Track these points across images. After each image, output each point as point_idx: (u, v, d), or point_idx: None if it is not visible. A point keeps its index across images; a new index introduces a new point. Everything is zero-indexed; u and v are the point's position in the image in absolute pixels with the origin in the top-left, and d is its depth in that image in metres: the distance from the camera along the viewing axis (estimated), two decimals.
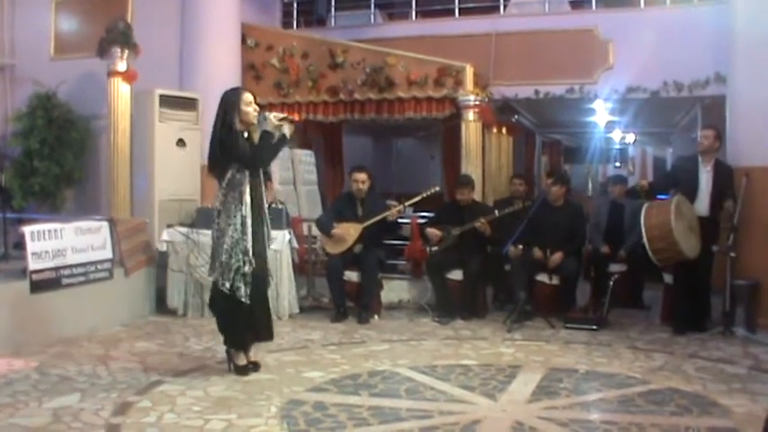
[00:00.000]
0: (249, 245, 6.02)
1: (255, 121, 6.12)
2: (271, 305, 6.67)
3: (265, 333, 6.38)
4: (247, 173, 6.05)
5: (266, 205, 6.30)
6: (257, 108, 6.15)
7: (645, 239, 7.62)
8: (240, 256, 6.01)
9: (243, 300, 6.03)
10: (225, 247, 6.04)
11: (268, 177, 6.67)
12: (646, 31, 10.13)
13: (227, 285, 6.01)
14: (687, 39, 9.87)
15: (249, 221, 6.03)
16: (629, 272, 9.22)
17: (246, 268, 6.01)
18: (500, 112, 11.51)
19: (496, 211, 8.83)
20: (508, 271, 8.94)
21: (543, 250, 8.65)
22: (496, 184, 11.16)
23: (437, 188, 9.37)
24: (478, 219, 8.69)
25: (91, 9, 10.98)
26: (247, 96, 6.15)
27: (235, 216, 6.03)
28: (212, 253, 6.24)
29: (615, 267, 9.17)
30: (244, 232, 6.01)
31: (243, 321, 6.14)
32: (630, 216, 9.26)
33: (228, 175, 6.07)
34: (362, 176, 8.86)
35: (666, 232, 7.45)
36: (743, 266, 8.17)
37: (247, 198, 6.03)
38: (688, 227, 7.65)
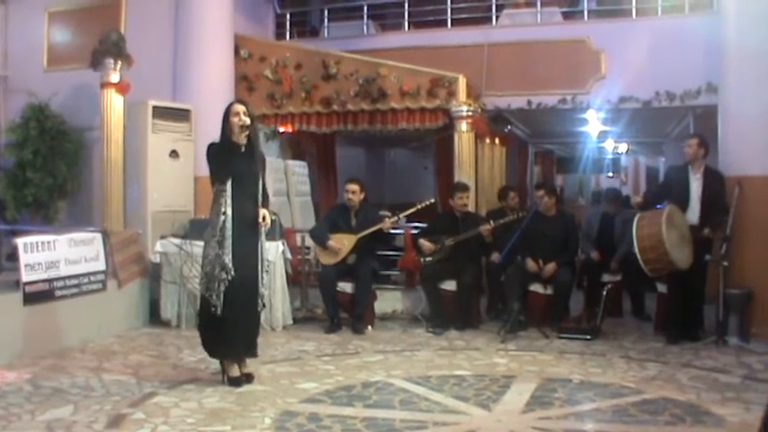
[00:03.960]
0: (228, 258, 6.04)
1: (238, 131, 6.12)
2: (261, 320, 6.66)
3: (247, 349, 6.36)
4: (228, 185, 6.08)
5: (261, 220, 6.26)
6: (243, 119, 6.12)
7: (636, 250, 7.63)
8: (218, 269, 6.04)
9: (216, 311, 6.05)
10: (209, 258, 6.11)
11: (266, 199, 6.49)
12: (638, 41, 10.20)
13: (212, 296, 6.07)
14: (679, 49, 9.92)
15: (229, 234, 6.05)
16: (627, 282, 9.24)
17: (223, 279, 6.04)
18: (493, 123, 11.53)
19: (491, 222, 8.85)
20: (502, 281, 8.95)
21: (536, 260, 8.65)
22: (489, 195, 11.16)
23: (432, 200, 9.39)
24: (482, 225, 8.73)
25: (84, 20, 10.97)
26: (235, 107, 6.21)
27: (215, 228, 6.08)
28: (201, 264, 6.34)
29: (609, 277, 9.20)
30: (222, 245, 6.04)
31: (225, 333, 6.13)
32: (621, 225, 9.30)
33: (215, 187, 6.14)
34: (354, 187, 8.88)
35: (657, 243, 7.46)
36: (736, 276, 8.20)
37: (228, 210, 6.06)
38: (680, 237, 7.66)
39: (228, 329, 6.11)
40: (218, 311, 6.04)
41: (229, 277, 6.03)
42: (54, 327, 7.51)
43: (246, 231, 6.14)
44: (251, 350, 6.39)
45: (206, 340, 6.31)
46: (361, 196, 8.92)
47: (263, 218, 6.21)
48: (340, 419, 5.33)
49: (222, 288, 6.03)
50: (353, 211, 8.91)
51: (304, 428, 5.14)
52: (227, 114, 6.19)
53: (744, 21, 8.60)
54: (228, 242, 6.04)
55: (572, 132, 15.57)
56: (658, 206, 8.41)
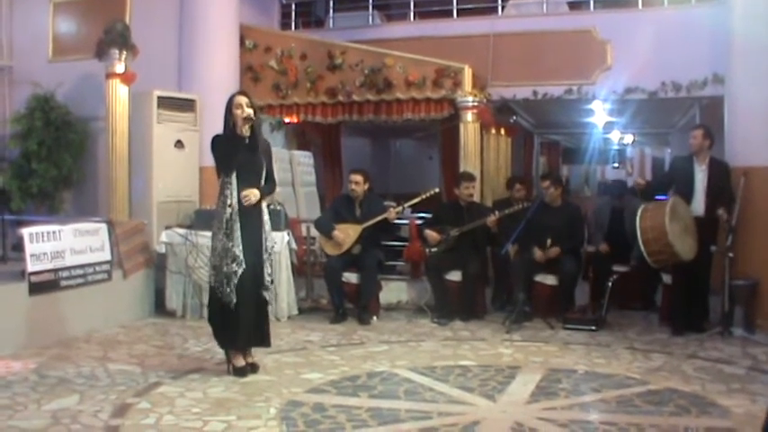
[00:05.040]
0: (238, 249, 6.05)
1: (241, 122, 6.10)
2: (270, 310, 6.66)
3: (260, 339, 6.38)
4: (233, 177, 6.09)
5: (265, 212, 6.30)
6: (245, 111, 6.11)
7: (640, 241, 7.62)
8: (228, 260, 6.05)
9: (227, 302, 6.07)
10: (217, 250, 6.12)
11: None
12: (644, 31, 10.15)
13: (221, 288, 6.08)
14: (685, 39, 9.87)
15: (237, 225, 6.06)
16: (641, 273, 9.14)
17: (233, 271, 6.05)
18: (498, 113, 11.51)
19: (496, 212, 8.83)
20: (508, 272, 8.93)
21: (541, 249, 8.62)
22: (495, 186, 11.15)
23: (436, 189, 9.38)
24: (488, 216, 8.72)
25: (89, 10, 10.95)
26: (237, 100, 6.19)
27: (221, 220, 6.09)
28: (210, 256, 6.35)
29: (620, 267, 9.13)
30: (230, 237, 6.05)
31: (234, 324, 6.14)
32: (630, 218, 9.23)
33: (220, 179, 6.15)
34: (358, 177, 8.86)
35: (661, 234, 7.45)
36: (741, 267, 8.17)
37: (233, 201, 6.07)
38: (684, 228, 7.64)
39: (240, 320, 6.13)
40: (231, 304, 6.06)
41: (241, 269, 6.05)
42: (59, 317, 7.53)
43: (251, 222, 6.15)
44: (264, 340, 6.41)
45: (217, 331, 6.32)
46: (365, 187, 8.90)
47: (246, 196, 6.09)
48: (345, 409, 5.34)
49: (234, 280, 6.05)
50: (358, 202, 8.90)
51: (309, 418, 5.15)
52: (230, 106, 6.18)
53: (750, 11, 8.57)
54: (237, 234, 6.06)
55: (578, 123, 15.54)
56: (663, 197, 8.39)
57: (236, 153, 6.09)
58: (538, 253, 8.62)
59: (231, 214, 6.07)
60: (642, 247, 7.62)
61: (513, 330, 8.10)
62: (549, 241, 8.63)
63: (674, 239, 7.44)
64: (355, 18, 12.33)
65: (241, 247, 6.07)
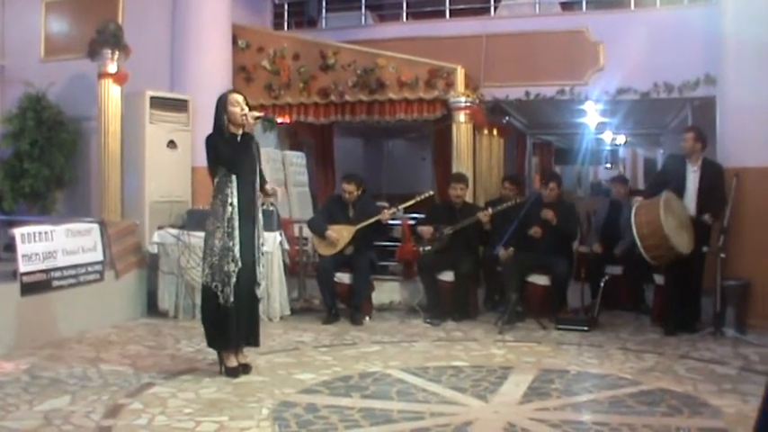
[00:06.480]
0: (237, 248, 6.04)
1: (242, 121, 6.11)
2: (261, 310, 6.65)
3: (252, 338, 6.37)
4: (234, 176, 6.07)
5: (259, 209, 6.30)
6: (245, 109, 6.14)
7: (636, 238, 7.62)
8: (228, 259, 6.03)
9: (226, 302, 6.05)
10: (215, 249, 6.08)
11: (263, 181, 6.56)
12: (636, 32, 10.16)
13: (219, 287, 6.05)
14: (677, 40, 9.89)
15: (236, 224, 6.05)
16: (628, 274, 9.14)
17: (232, 270, 6.03)
18: (491, 114, 11.51)
19: (490, 208, 8.84)
20: (500, 272, 8.93)
21: (535, 250, 8.62)
22: (487, 186, 11.15)
23: (431, 192, 9.41)
24: (481, 212, 8.74)
25: (81, 10, 10.93)
26: (234, 97, 6.19)
27: (221, 219, 6.06)
28: (203, 255, 6.30)
29: (613, 269, 9.13)
30: (230, 235, 6.03)
31: (230, 323, 6.12)
32: (627, 214, 9.22)
33: (217, 177, 6.12)
34: (351, 187, 8.85)
35: (656, 229, 7.45)
36: (733, 267, 8.20)
37: (234, 200, 6.05)
38: (679, 223, 7.65)
39: (233, 319, 6.12)
40: (229, 303, 6.05)
41: (237, 268, 6.05)
42: (51, 317, 7.52)
43: (247, 220, 6.14)
44: (254, 339, 6.40)
45: (210, 332, 6.28)
46: (359, 192, 8.90)
47: (274, 191, 6.43)
48: (337, 410, 5.33)
49: (233, 279, 6.04)
50: (351, 203, 8.90)
51: (301, 419, 5.14)
52: (225, 104, 6.16)
53: (742, 12, 8.60)
54: (236, 233, 6.05)
55: (570, 123, 15.56)
56: None
57: (237, 151, 6.09)
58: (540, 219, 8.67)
59: (232, 213, 6.05)
60: (639, 243, 7.60)
61: (505, 331, 8.11)
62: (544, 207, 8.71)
63: (671, 232, 7.44)
64: (348, 18, 12.32)
65: (239, 246, 6.07)
